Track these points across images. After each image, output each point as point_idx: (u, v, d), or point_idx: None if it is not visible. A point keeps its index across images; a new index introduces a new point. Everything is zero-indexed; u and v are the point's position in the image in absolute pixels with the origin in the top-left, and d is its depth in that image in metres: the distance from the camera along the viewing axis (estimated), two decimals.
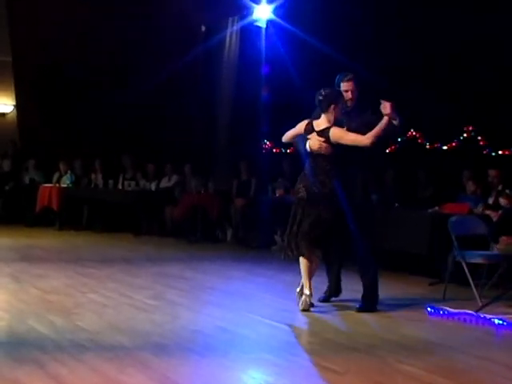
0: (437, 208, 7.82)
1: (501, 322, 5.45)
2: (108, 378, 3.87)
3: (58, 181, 12.86)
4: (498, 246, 6.44)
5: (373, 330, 5.25)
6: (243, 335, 4.96)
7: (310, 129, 5.87)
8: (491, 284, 6.61)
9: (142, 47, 13.35)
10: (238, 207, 11.12)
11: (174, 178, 12.27)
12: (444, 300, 6.42)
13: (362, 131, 5.70)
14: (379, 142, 5.87)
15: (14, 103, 14.35)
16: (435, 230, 7.43)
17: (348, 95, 5.93)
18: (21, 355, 4.23)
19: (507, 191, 7.70)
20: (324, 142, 5.74)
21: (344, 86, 5.95)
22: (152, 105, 13.12)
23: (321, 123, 5.82)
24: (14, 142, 13.84)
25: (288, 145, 11.42)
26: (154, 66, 12.43)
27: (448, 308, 5.88)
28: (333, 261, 6.22)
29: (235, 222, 11.26)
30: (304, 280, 5.83)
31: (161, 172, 12.53)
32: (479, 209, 7.74)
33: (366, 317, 5.71)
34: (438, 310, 5.87)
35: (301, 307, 5.80)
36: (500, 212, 7.34)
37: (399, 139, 9.54)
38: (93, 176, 13.00)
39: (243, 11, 11.72)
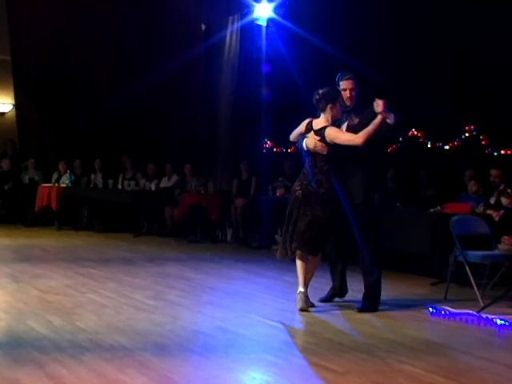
0: (438, 208, 7.80)
1: (503, 322, 5.44)
2: (108, 378, 3.85)
3: (58, 180, 12.84)
4: (500, 246, 6.42)
5: (373, 330, 5.23)
6: (243, 335, 4.95)
7: (309, 128, 5.89)
8: (493, 284, 6.61)
9: (142, 47, 13.35)
10: (239, 207, 11.11)
11: (174, 178, 12.27)
12: (445, 300, 6.42)
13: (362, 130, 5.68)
14: (379, 142, 5.87)
15: (13, 102, 14.32)
16: (437, 229, 7.42)
17: (346, 94, 5.90)
18: (20, 356, 4.22)
19: (509, 191, 7.68)
20: (319, 141, 5.75)
21: (343, 84, 5.93)
22: (152, 104, 13.11)
23: (319, 122, 5.84)
24: (12, 141, 13.82)
25: (289, 144, 11.50)
26: (154, 66, 12.41)
27: (449, 308, 5.87)
28: (337, 262, 6.19)
29: (235, 221, 11.25)
30: (299, 279, 5.83)
31: (161, 172, 12.51)
32: (480, 208, 7.72)
33: (367, 317, 5.69)
34: (440, 310, 5.86)
35: (297, 306, 5.79)
36: (502, 212, 7.32)
37: (400, 138, 9.53)
38: (92, 176, 12.97)
39: (243, 10, 11.71)
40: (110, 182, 12.44)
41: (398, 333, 5.13)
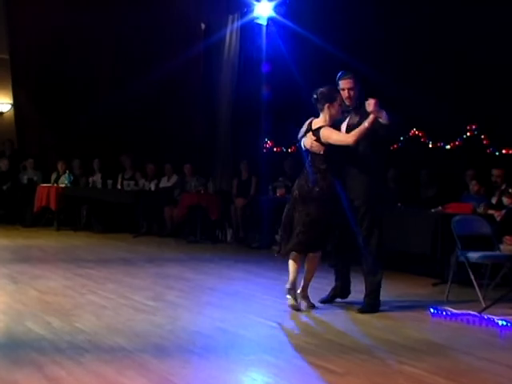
0: (440, 208, 7.77)
1: (504, 323, 5.42)
2: (107, 380, 3.83)
3: (57, 181, 12.81)
4: (501, 246, 6.40)
5: (374, 331, 5.21)
6: (243, 336, 4.93)
7: (308, 127, 5.91)
8: (495, 284, 6.58)
9: (142, 47, 13.34)
10: (239, 207, 11.08)
11: (174, 178, 12.24)
12: (447, 301, 6.39)
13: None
14: (381, 143, 5.86)
15: (12, 102, 14.28)
16: (438, 230, 7.40)
17: (345, 94, 5.88)
18: (19, 357, 4.20)
19: (510, 190, 7.67)
20: (315, 141, 5.77)
21: (341, 84, 5.91)
22: (152, 104, 13.09)
23: (318, 122, 5.85)
24: (11, 141, 13.77)
25: (289, 144, 11.50)
26: (154, 66, 12.39)
27: (451, 309, 5.84)
28: (340, 262, 6.16)
29: (235, 222, 11.23)
30: (289, 276, 5.85)
31: (160, 172, 12.49)
32: (480, 208, 7.69)
33: (368, 318, 5.67)
34: (441, 310, 5.84)
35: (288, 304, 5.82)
36: (503, 211, 7.29)
37: (401, 138, 9.52)
38: (90, 179, 12.91)
39: (243, 9, 11.70)
40: (110, 182, 12.41)
41: (399, 334, 5.11)
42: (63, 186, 12.49)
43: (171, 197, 11.89)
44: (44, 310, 5.55)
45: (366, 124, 5.59)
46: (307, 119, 5.97)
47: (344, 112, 5.93)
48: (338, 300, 6.22)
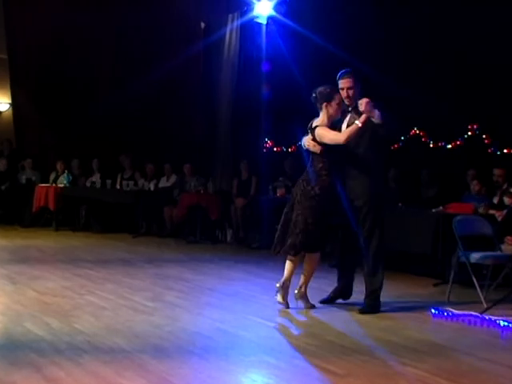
0: (441, 208, 7.76)
1: (506, 323, 5.41)
2: (106, 380, 3.81)
3: (55, 180, 12.78)
4: (503, 247, 6.38)
5: (375, 332, 5.19)
6: (243, 337, 4.91)
7: (308, 127, 5.92)
8: (496, 285, 6.57)
9: (142, 47, 13.33)
10: (239, 207, 11.06)
11: (173, 178, 12.22)
12: (448, 301, 6.38)
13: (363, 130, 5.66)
14: (382, 143, 5.84)
15: (10, 101, 14.25)
16: (439, 230, 7.39)
17: (344, 93, 5.86)
18: (17, 358, 4.18)
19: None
20: (312, 140, 5.80)
21: (340, 83, 5.90)
22: (151, 104, 13.07)
23: (316, 121, 5.86)
24: (9, 141, 13.74)
25: (289, 143, 11.48)
26: (154, 66, 12.37)
27: (452, 309, 5.83)
28: (343, 263, 6.13)
29: (235, 222, 11.20)
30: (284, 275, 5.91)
31: (160, 172, 12.46)
32: (481, 208, 7.67)
33: (369, 318, 5.65)
34: (442, 311, 5.82)
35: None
36: (505, 211, 7.27)
37: (402, 138, 9.50)
38: (88, 182, 12.86)
39: (243, 8, 11.69)
40: (109, 182, 12.38)
41: (400, 334, 5.09)
42: (62, 186, 12.46)
43: (171, 197, 11.86)
44: (43, 311, 5.53)
45: (358, 123, 5.59)
46: (307, 119, 5.97)
47: (344, 112, 5.90)
48: (340, 301, 6.18)
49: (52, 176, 12.99)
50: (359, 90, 5.89)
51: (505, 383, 4.03)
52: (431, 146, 9.54)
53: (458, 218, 6.56)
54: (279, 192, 10.38)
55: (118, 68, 13.71)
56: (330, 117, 5.80)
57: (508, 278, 6.54)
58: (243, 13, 11.73)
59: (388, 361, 4.35)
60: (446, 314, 5.76)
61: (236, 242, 11.11)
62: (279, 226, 6.05)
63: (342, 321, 5.57)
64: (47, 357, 4.22)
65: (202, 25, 12.76)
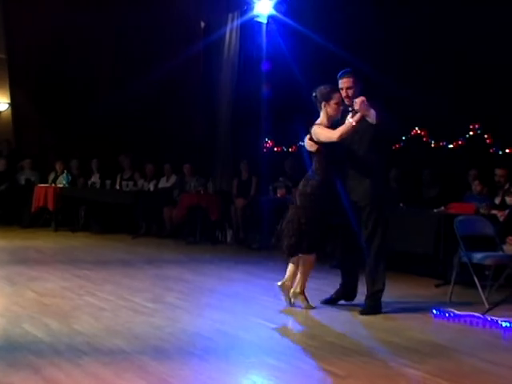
0: (442, 208, 7.75)
1: (508, 324, 5.40)
2: (106, 382, 3.80)
3: (54, 181, 12.74)
4: (504, 247, 6.36)
5: (376, 333, 5.18)
6: (244, 338, 4.89)
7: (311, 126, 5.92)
8: (498, 286, 6.55)
9: (142, 47, 13.31)
10: (239, 207, 11.03)
11: (173, 179, 12.19)
12: (450, 302, 6.36)
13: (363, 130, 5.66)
14: (383, 143, 5.82)
15: (9, 101, 14.22)
16: (441, 230, 7.37)
17: (343, 93, 5.84)
18: (16, 360, 4.16)
19: None
20: (309, 139, 5.82)
21: (340, 83, 5.90)
22: (151, 104, 13.06)
23: (317, 121, 5.86)
24: (8, 141, 13.71)
25: (289, 143, 11.46)
26: (154, 66, 12.35)
27: (454, 310, 5.81)
28: (345, 264, 6.10)
29: (235, 222, 11.17)
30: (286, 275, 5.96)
31: (159, 172, 12.43)
32: (483, 208, 7.64)
33: (370, 319, 5.64)
34: (444, 312, 5.81)
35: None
36: (507, 212, 7.25)
37: (403, 137, 9.49)
38: (89, 181, 12.84)
39: (243, 7, 11.69)
40: (108, 182, 12.36)
41: (402, 335, 5.08)
42: (61, 186, 12.43)
43: (170, 197, 11.83)
44: (42, 312, 5.50)
45: (351, 121, 5.60)
46: (308, 118, 5.97)
47: (344, 111, 5.88)
48: (342, 302, 6.15)
49: (51, 176, 12.96)
50: (360, 90, 5.86)
51: None
52: (432, 145, 9.54)
53: (460, 218, 6.54)
54: (279, 192, 10.36)
55: (117, 68, 13.69)
56: (329, 116, 5.80)
57: (510, 278, 6.53)
58: (243, 12, 11.73)
59: (389, 362, 4.34)
60: (447, 314, 5.75)
61: (236, 243, 11.09)
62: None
63: (343, 322, 5.55)
64: (46, 358, 4.19)
65: (202, 24, 12.75)
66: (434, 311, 5.83)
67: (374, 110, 5.55)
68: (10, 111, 14.19)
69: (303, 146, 6.03)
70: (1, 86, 14.09)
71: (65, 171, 12.70)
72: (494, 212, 7.49)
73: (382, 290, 5.85)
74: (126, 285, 6.92)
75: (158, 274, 7.77)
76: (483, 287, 6.22)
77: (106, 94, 13.02)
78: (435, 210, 7.78)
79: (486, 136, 8.97)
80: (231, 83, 12.01)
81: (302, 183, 5.87)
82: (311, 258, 5.87)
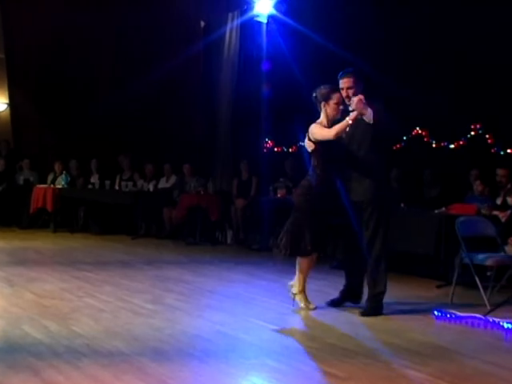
0: (444, 209, 7.73)
1: (510, 325, 5.38)
2: None
3: (53, 181, 12.71)
4: (506, 248, 6.34)
5: (377, 334, 5.16)
6: (244, 340, 4.88)
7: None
8: (500, 287, 6.54)
9: (142, 47, 13.31)
10: (239, 208, 11.01)
11: (173, 179, 12.16)
12: (451, 303, 6.34)
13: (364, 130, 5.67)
14: (384, 143, 5.80)
15: (7, 101, 14.19)
16: (442, 231, 7.35)
17: (343, 93, 5.83)
18: (15, 362, 4.14)
19: None
20: (308, 139, 5.82)
21: (340, 83, 5.88)
22: (151, 104, 13.04)
23: (317, 121, 5.85)
24: (7, 141, 13.68)
25: (290, 144, 11.44)
26: (154, 66, 12.34)
27: (455, 311, 5.80)
28: (347, 265, 6.07)
29: (235, 223, 11.16)
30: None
31: (159, 172, 12.41)
32: (485, 209, 7.62)
33: (371, 320, 5.62)
34: (445, 313, 5.79)
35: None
36: (509, 212, 7.23)
37: (404, 137, 9.47)
38: (90, 182, 12.82)
39: (243, 6, 11.69)
40: (107, 182, 12.33)
41: (403, 337, 5.06)
42: (60, 186, 12.40)
43: (170, 198, 11.81)
44: (41, 314, 5.49)
45: (347, 119, 5.59)
46: (308, 118, 5.97)
47: (345, 112, 5.86)
48: (348, 304, 6.10)
49: (50, 177, 12.93)
50: (361, 90, 5.83)
51: None
52: (434, 145, 9.52)
53: (461, 218, 6.52)
54: (280, 193, 10.34)
55: (118, 68, 13.68)
56: (329, 116, 5.79)
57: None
58: (243, 11, 11.72)
59: (391, 364, 4.32)
60: (449, 316, 5.73)
61: (236, 244, 11.07)
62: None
63: (344, 323, 5.53)
64: (45, 360, 4.18)
65: (202, 24, 12.74)
66: (436, 312, 5.81)
67: (372, 109, 5.52)
68: (8, 111, 14.16)
69: (303, 146, 6.01)
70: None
71: (64, 172, 12.67)
72: (495, 213, 7.48)
73: (383, 292, 5.82)
74: (126, 286, 6.90)
75: (157, 275, 7.75)
76: (485, 288, 6.20)
77: (106, 94, 13.01)
78: (436, 211, 7.75)
79: (487, 136, 8.95)
80: (231, 83, 12.00)
81: (308, 183, 5.85)
82: (309, 259, 5.84)
